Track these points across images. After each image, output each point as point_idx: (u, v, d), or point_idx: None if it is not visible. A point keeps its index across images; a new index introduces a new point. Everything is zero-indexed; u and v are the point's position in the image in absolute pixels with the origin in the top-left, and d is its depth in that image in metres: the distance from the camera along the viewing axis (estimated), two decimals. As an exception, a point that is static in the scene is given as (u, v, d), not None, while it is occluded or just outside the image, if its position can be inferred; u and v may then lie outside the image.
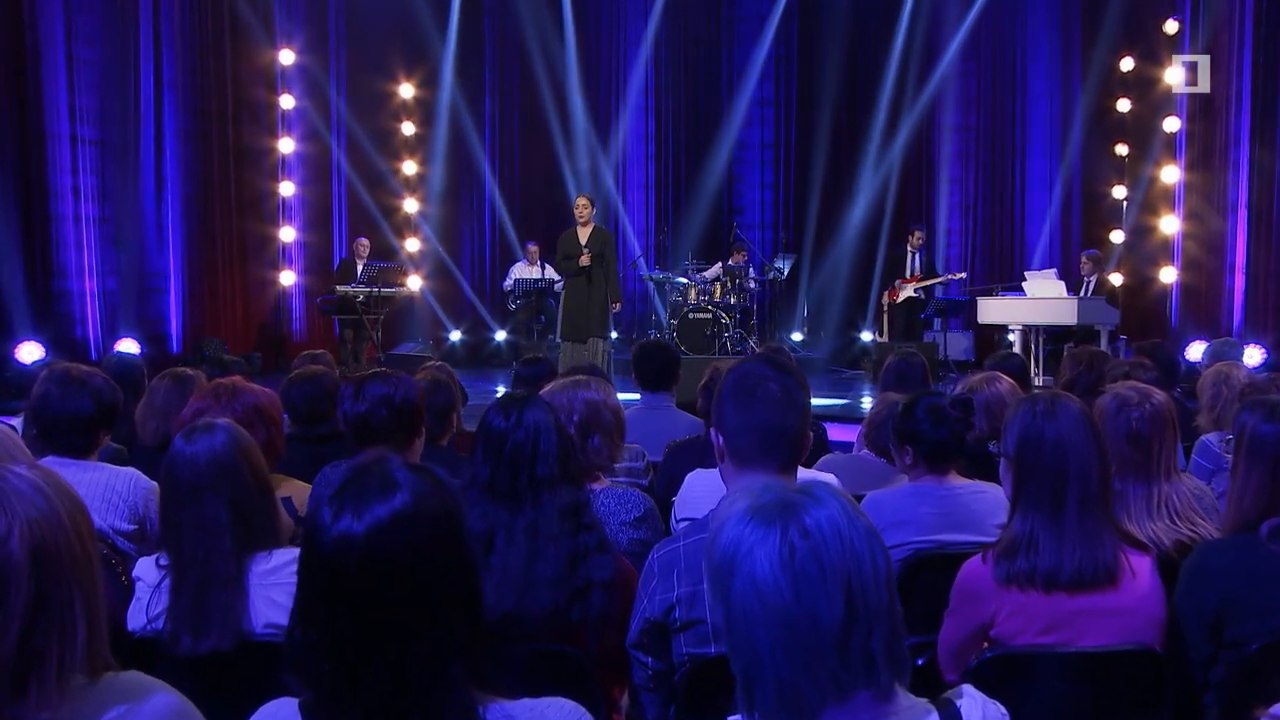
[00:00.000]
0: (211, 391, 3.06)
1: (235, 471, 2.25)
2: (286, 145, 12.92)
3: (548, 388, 3.20)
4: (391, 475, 1.39)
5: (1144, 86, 12.67)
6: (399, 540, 1.35)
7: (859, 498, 3.45)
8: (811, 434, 2.36)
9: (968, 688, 1.47)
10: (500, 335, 13.67)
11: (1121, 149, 13.05)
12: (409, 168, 14.37)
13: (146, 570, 2.33)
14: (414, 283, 13.02)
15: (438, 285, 14.28)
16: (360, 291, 11.26)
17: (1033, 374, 9.08)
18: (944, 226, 14.50)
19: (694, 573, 2.14)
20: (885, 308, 13.08)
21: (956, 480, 3.21)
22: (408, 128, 14.36)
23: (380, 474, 1.39)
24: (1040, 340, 10.72)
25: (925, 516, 3.11)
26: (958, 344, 13.19)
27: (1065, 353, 10.15)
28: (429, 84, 14.24)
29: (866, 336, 14.11)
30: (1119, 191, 13.06)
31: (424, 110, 14.37)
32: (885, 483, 3.92)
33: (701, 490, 3.24)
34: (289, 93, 12.92)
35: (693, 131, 15.05)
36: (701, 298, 12.52)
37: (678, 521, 3.32)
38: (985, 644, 2.35)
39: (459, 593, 1.39)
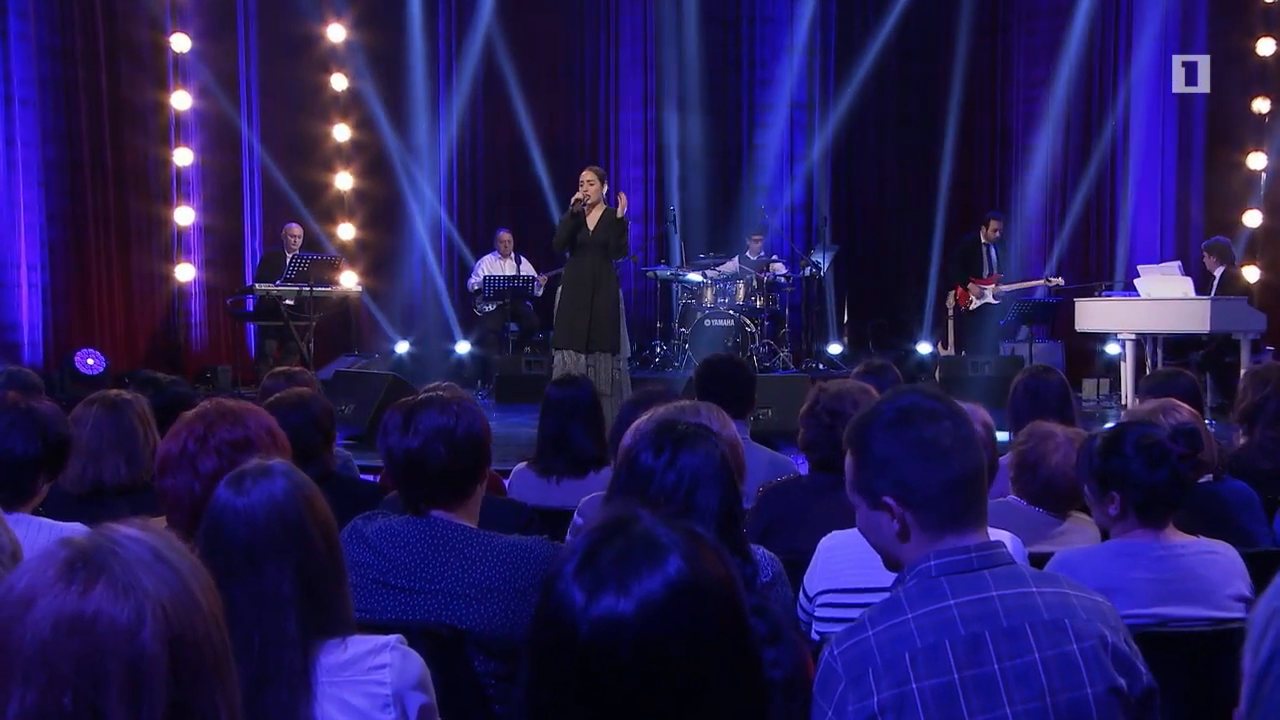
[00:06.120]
0: (209, 414, 2.90)
1: (302, 529, 2.16)
2: (181, 100, 12.79)
3: (645, 417, 3.13)
4: (655, 535, 1.39)
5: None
6: (678, 620, 1.34)
7: (1037, 558, 3.42)
8: None
9: None
10: (462, 347, 13.62)
11: (1261, 104, 12.98)
12: (341, 132, 14.30)
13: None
14: (349, 279, 12.90)
15: (380, 283, 14.22)
16: (288, 292, 11.14)
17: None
18: (1022, 211, 14.49)
19: (896, 670, 2.09)
20: (950, 312, 13.10)
21: (1178, 537, 3.20)
22: (339, 81, 14.28)
23: (642, 535, 1.38)
24: (1158, 353, 10.74)
25: (1140, 584, 3.11)
26: (1046, 357, 13.21)
27: (1193, 362, 10.20)
28: (365, 25, 14.14)
29: (924, 348, 14.14)
30: (1256, 160, 13.00)
31: (359, 60, 14.24)
32: (1048, 538, 3.90)
33: (846, 557, 3.19)
34: (183, 31, 12.77)
35: (703, 91, 15.02)
36: (720, 300, 12.51)
37: (810, 598, 3.26)
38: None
39: (747, 684, 1.39)
